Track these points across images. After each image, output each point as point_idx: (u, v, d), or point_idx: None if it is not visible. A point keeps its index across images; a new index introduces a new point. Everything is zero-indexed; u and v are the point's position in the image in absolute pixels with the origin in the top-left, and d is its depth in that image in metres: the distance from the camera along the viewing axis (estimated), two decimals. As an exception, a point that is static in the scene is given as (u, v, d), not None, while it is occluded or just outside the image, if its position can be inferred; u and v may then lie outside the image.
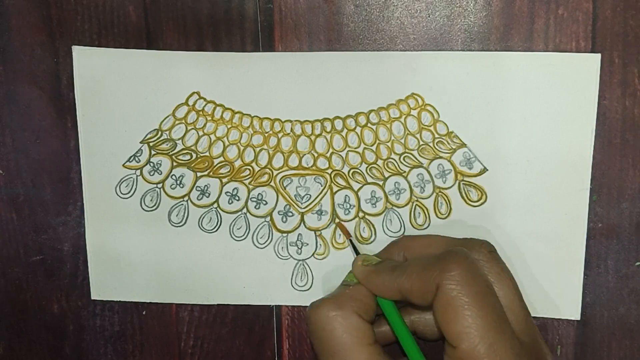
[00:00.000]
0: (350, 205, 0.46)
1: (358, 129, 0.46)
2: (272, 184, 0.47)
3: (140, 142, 0.47)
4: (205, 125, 0.47)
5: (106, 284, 0.49)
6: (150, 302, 0.49)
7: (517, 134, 0.44)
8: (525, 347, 0.38)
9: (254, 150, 0.47)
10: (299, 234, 0.47)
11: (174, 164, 0.47)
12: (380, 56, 0.45)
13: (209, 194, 0.47)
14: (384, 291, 0.40)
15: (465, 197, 0.45)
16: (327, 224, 0.47)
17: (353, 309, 0.40)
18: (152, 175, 0.48)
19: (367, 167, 0.46)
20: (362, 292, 0.41)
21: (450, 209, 0.46)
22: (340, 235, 0.47)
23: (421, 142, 0.45)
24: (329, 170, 0.46)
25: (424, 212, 0.46)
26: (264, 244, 0.47)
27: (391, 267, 0.40)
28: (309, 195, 0.47)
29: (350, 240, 0.46)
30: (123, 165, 0.48)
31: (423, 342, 0.44)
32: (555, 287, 0.45)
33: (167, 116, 0.47)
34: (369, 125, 0.46)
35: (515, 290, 0.39)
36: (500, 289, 0.39)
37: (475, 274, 0.37)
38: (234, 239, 0.47)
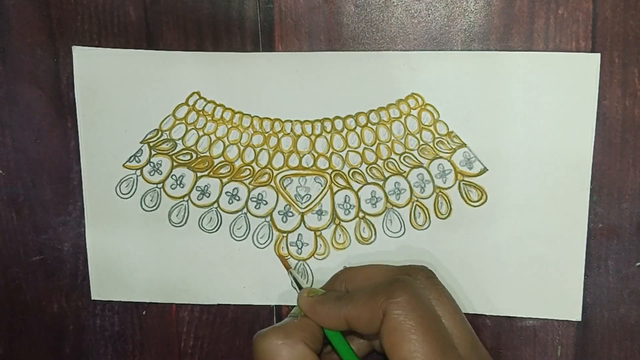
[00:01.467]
0: (350, 206, 0.46)
1: (358, 129, 0.46)
2: (272, 184, 0.47)
3: (141, 142, 0.47)
4: (205, 125, 0.47)
5: (106, 284, 0.49)
6: (151, 302, 0.49)
7: (517, 134, 0.44)
8: None
9: (254, 150, 0.47)
10: (299, 234, 0.47)
11: (174, 164, 0.47)
12: (380, 56, 0.45)
13: (209, 194, 0.47)
14: (330, 321, 0.40)
15: (466, 197, 0.45)
16: (327, 224, 0.47)
17: (300, 338, 0.40)
18: (152, 175, 0.48)
19: (367, 167, 0.46)
20: (309, 323, 0.41)
21: (451, 209, 0.46)
22: (340, 235, 0.47)
23: (421, 142, 0.45)
24: (329, 170, 0.46)
25: (424, 212, 0.46)
26: (264, 244, 0.47)
27: (336, 297, 0.40)
28: (309, 195, 0.47)
29: (291, 273, 0.46)
30: (123, 165, 0.48)
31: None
32: (555, 287, 0.45)
33: (167, 116, 0.47)
34: (369, 125, 0.46)
35: (458, 314, 0.39)
36: (442, 314, 0.39)
37: (420, 300, 0.37)
38: (234, 239, 0.47)
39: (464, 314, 0.46)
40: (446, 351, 0.36)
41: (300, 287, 0.45)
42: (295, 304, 0.42)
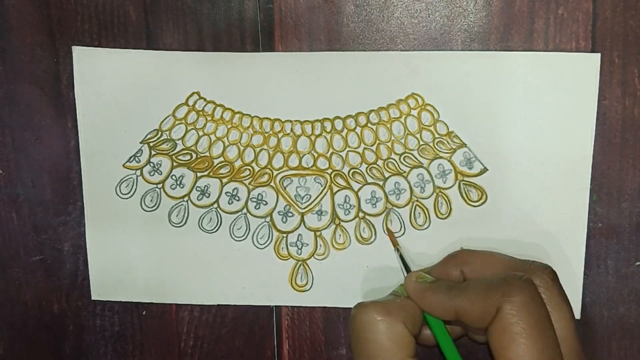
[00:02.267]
0: (350, 206, 0.46)
1: (358, 129, 0.46)
2: (272, 184, 0.47)
3: (140, 142, 0.47)
4: (205, 125, 0.47)
5: (106, 284, 0.49)
6: (150, 302, 0.49)
7: (517, 134, 0.44)
8: None
9: (254, 150, 0.47)
10: (299, 234, 0.47)
11: (174, 164, 0.47)
12: (380, 56, 0.45)
13: (209, 194, 0.47)
14: (438, 310, 0.39)
15: (466, 197, 0.45)
16: (327, 224, 0.47)
17: (400, 317, 0.39)
18: (152, 175, 0.48)
19: (367, 167, 0.46)
20: (411, 305, 0.40)
21: (451, 209, 0.46)
22: (340, 235, 0.47)
23: (421, 142, 0.45)
24: (329, 171, 0.46)
25: (424, 212, 0.46)
26: (264, 244, 0.47)
27: (447, 287, 0.39)
28: (309, 196, 0.47)
29: (398, 251, 0.45)
30: (123, 165, 0.48)
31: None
32: (555, 287, 0.45)
33: (167, 116, 0.47)
34: (369, 125, 0.46)
35: (573, 322, 0.39)
36: (557, 319, 0.38)
37: (537, 303, 0.36)
38: (234, 239, 0.47)
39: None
40: (554, 357, 0.35)
41: (406, 267, 0.44)
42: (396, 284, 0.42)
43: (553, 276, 0.39)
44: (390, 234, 0.46)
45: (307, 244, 0.47)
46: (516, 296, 0.36)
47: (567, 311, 0.39)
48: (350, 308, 0.47)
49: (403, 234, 0.46)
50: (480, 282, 0.38)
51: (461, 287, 0.38)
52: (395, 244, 0.46)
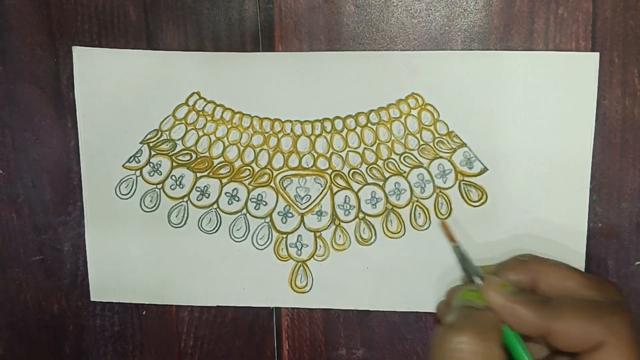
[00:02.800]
0: (350, 206, 0.46)
1: (358, 129, 0.46)
2: (272, 184, 0.47)
3: (140, 143, 0.47)
4: (205, 125, 0.47)
5: (106, 285, 0.49)
6: (150, 303, 0.49)
7: (517, 134, 0.44)
8: None
9: (254, 150, 0.47)
10: (299, 235, 0.47)
11: (174, 164, 0.47)
12: (380, 56, 0.45)
13: (209, 195, 0.47)
14: (525, 326, 0.37)
15: (466, 197, 0.45)
16: (327, 224, 0.47)
17: (496, 339, 0.36)
18: (152, 175, 0.48)
19: (367, 168, 0.46)
20: (496, 319, 0.38)
21: (451, 209, 0.46)
22: (340, 236, 0.46)
23: (421, 142, 0.45)
24: (329, 171, 0.46)
25: (424, 213, 0.46)
26: (263, 245, 0.47)
27: (539, 303, 0.37)
28: (309, 196, 0.47)
29: (457, 250, 0.42)
30: (123, 165, 0.48)
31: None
32: (555, 287, 0.45)
33: (167, 116, 0.47)
34: (369, 125, 0.46)
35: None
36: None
37: (635, 337, 0.36)
38: (233, 239, 0.47)
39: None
40: None
41: (466, 270, 0.41)
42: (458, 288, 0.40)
43: (621, 292, 0.39)
44: (445, 228, 0.43)
45: (307, 245, 0.47)
46: (621, 330, 0.35)
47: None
48: (350, 309, 0.47)
49: (403, 234, 0.46)
50: (580, 307, 0.37)
51: (556, 307, 0.37)
52: (452, 239, 0.43)
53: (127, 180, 0.48)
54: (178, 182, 0.47)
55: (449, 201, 0.45)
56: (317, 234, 0.47)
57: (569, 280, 0.39)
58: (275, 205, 0.47)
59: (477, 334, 0.36)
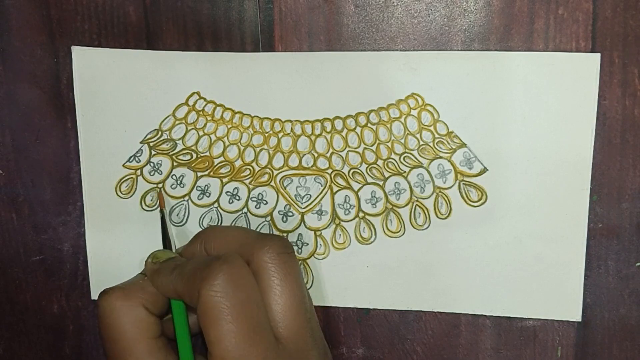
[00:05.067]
0: (350, 206, 0.46)
1: (358, 129, 0.46)
2: (272, 183, 0.47)
3: (141, 142, 0.47)
4: (205, 125, 0.47)
5: (106, 284, 0.49)
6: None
7: (517, 134, 0.44)
8: (287, 356, 0.38)
9: (254, 150, 0.47)
10: (299, 234, 0.47)
11: (174, 164, 0.47)
12: (380, 56, 0.45)
13: (210, 194, 0.47)
14: (165, 291, 0.41)
15: (466, 197, 0.45)
16: (327, 224, 0.47)
17: (140, 302, 0.40)
18: (153, 175, 0.48)
19: (367, 167, 0.46)
20: (147, 283, 0.42)
21: (451, 209, 0.46)
22: (340, 235, 0.47)
23: (421, 142, 0.45)
24: (329, 170, 0.46)
25: (424, 212, 0.46)
26: (264, 244, 0.47)
27: (172, 268, 0.40)
28: (309, 195, 0.47)
29: (163, 221, 0.46)
30: (123, 165, 0.48)
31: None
32: (555, 288, 0.45)
33: (167, 116, 0.47)
34: (369, 125, 0.46)
35: (294, 296, 0.39)
36: (280, 295, 0.39)
37: (238, 283, 0.37)
38: (234, 239, 0.48)
39: (461, 314, 0.46)
40: (254, 337, 0.37)
41: (165, 241, 0.45)
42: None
43: (280, 249, 0.40)
44: (159, 197, 0.47)
45: (307, 244, 0.47)
46: (216, 279, 0.37)
47: (291, 283, 0.40)
48: (351, 307, 0.47)
49: (403, 234, 0.46)
50: (193, 264, 0.39)
51: (181, 266, 0.40)
52: (162, 206, 0.46)
53: (127, 179, 0.48)
54: (178, 182, 0.47)
55: (449, 201, 0.45)
56: (318, 233, 0.47)
57: (229, 242, 0.41)
58: (276, 205, 0.47)
59: (121, 297, 0.40)
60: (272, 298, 0.39)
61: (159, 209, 0.47)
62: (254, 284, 0.39)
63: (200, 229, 0.47)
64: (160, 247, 0.46)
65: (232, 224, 0.47)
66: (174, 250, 0.45)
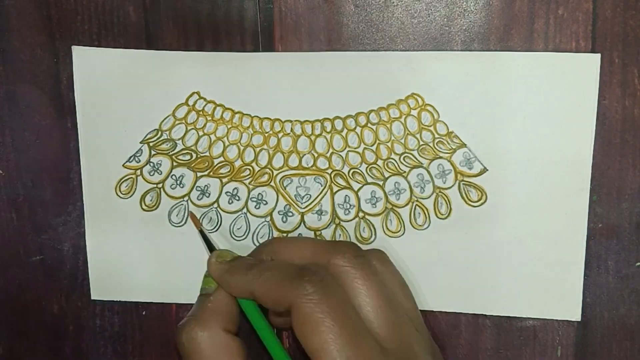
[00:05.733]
0: (350, 205, 0.46)
1: (358, 129, 0.46)
2: (272, 184, 0.47)
3: (140, 142, 0.47)
4: (205, 125, 0.47)
5: (106, 284, 0.49)
6: (151, 302, 0.49)
7: (517, 134, 0.44)
8: (391, 355, 0.38)
9: (254, 150, 0.47)
10: (299, 234, 0.47)
11: (174, 164, 0.47)
12: (380, 56, 0.45)
13: (209, 194, 0.47)
14: (237, 291, 0.40)
15: (465, 197, 0.45)
16: (327, 224, 0.47)
17: (219, 326, 0.40)
18: (152, 175, 0.48)
19: (367, 167, 0.46)
20: (224, 302, 0.41)
21: (450, 209, 0.46)
22: (340, 235, 0.47)
23: (421, 142, 0.45)
24: (329, 170, 0.46)
25: (424, 212, 0.46)
26: (264, 244, 0.47)
27: (246, 267, 0.40)
28: (309, 195, 0.47)
29: (202, 232, 0.45)
30: (123, 165, 0.48)
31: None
32: (555, 287, 0.45)
33: (167, 116, 0.47)
34: (369, 125, 0.46)
35: (381, 294, 0.39)
36: (366, 295, 0.38)
37: (330, 290, 0.37)
38: (234, 238, 0.47)
39: (461, 314, 0.46)
40: (357, 339, 0.36)
41: (211, 250, 0.44)
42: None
43: (356, 253, 0.40)
44: (193, 218, 0.46)
45: (307, 244, 0.47)
46: (308, 289, 0.36)
47: (375, 284, 0.39)
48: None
49: (403, 234, 0.46)
50: (278, 270, 0.39)
51: (259, 269, 0.39)
52: (197, 225, 0.46)
53: (127, 179, 0.48)
54: (178, 182, 0.47)
55: (449, 201, 0.45)
56: (317, 233, 0.47)
57: (298, 251, 0.41)
58: (276, 205, 0.47)
59: (199, 326, 0.39)
60: (360, 299, 0.38)
61: (197, 229, 0.46)
62: (343, 289, 0.38)
63: (200, 229, 0.47)
64: (160, 250, 0.46)
65: (232, 224, 0.47)
66: None
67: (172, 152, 0.47)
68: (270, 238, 0.45)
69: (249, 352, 0.41)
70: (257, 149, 0.47)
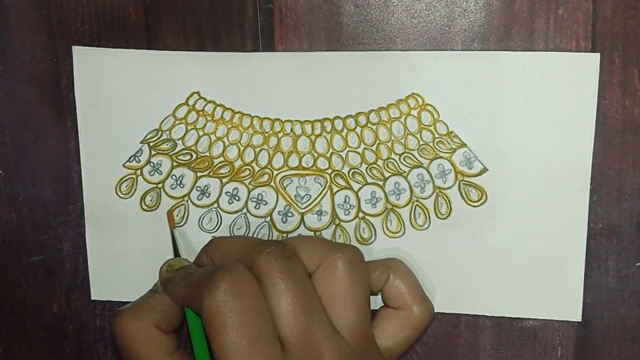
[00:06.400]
0: (350, 206, 0.46)
1: (358, 129, 0.46)
2: (272, 184, 0.47)
3: (141, 142, 0.47)
4: (205, 125, 0.47)
5: (106, 284, 0.49)
6: (150, 302, 0.49)
7: (517, 134, 0.44)
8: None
9: (254, 150, 0.47)
10: (299, 235, 0.47)
11: (174, 164, 0.47)
12: (380, 56, 0.45)
13: (209, 194, 0.47)
14: (175, 299, 0.41)
15: (466, 197, 0.45)
16: (327, 224, 0.47)
17: (152, 321, 0.41)
18: (152, 175, 0.48)
19: (367, 167, 0.46)
20: (165, 303, 0.42)
21: (451, 209, 0.46)
22: (340, 235, 0.47)
23: (421, 142, 0.45)
24: (329, 171, 0.46)
25: (424, 213, 0.46)
26: (264, 244, 0.47)
27: (182, 276, 0.41)
28: (309, 196, 0.47)
29: (172, 235, 0.46)
30: (123, 165, 0.48)
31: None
32: (555, 288, 0.45)
33: (167, 116, 0.47)
34: (369, 125, 0.46)
35: (297, 298, 0.39)
36: (282, 298, 0.38)
37: (240, 292, 0.37)
38: (234, 239, 0.47)
39: (461, 314, 0.46)
40: (261, 342, 0.37)
41: (175, 254, 0.46)
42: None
43: (279, 254, 0.39)
44: (170, 218, 0.47)
45: (307, 244, 0.47)
46: (218, 288, 0.37)
47: (291, 291, 0.39)
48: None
49: (403, 234, 0.46)
50: (197, 273, 0.40)
51: (189, 276, 0.40)
52: (171, 225, 0.47)
53: (127, 179, 0.48)
54: (178, 182, 0.47)
55: (449, 201, 0.45)
56: (317, 233, 0.47)
57: (231, 249, 0.42)
58: (276, 205, 0.47)
59: (133, 318, 0.41)
60: (275, 302, 0.38)
61: (170, 229, 0.47)
62: (258, 292, 0.38)
63: (200, 230, 0.47)
64: (160, 250, 0.46)
65: (232, 224, 0.47)
66: None
67: (172, 152, 0.47)
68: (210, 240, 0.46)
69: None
70: (257, 149, 0.47)
